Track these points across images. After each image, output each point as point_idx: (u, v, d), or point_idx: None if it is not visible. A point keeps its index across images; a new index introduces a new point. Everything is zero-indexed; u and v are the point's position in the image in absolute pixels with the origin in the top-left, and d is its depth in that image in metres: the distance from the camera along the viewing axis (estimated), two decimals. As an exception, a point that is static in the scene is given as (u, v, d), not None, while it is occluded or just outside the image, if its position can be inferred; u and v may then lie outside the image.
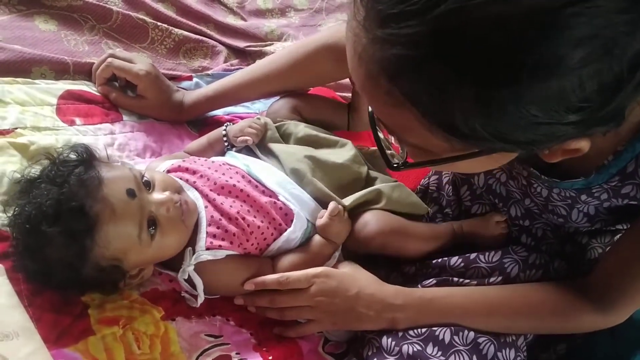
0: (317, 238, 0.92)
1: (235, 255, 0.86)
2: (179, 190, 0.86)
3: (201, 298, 0.83)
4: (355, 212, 0.95)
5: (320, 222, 0.91)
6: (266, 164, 0.97)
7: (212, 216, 0.86)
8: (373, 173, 1.02)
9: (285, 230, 0.91)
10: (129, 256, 0.79)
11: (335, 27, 1.07)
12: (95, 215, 0.74)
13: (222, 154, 1.02)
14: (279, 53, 1.09)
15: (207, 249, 0.83)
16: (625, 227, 0.91)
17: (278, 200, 0.92)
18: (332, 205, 0.91)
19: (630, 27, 0.43)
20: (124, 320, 0.79)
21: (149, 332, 0.80)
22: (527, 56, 0.42)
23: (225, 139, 1.01)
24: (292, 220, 0.91)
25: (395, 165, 0.62)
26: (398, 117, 0.51)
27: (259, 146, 1.00)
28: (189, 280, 0.84)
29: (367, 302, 0.85)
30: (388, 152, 0.64)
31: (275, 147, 0.99)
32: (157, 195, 0.82)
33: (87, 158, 0.81)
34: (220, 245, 0.84)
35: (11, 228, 0.77)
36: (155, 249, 0.81)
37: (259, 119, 1.02)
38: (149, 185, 0.83)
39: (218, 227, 0.85)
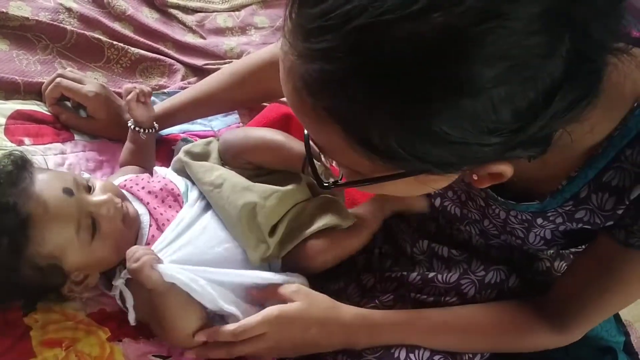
0: None
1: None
2: (121, 197, 0.86)
3: (131, 315, 0.81)
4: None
5: None
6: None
7: (153, 235, 0.86)
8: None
9: None
10: (68, 256, 0.79)
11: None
12: (27, 212, 0.75)
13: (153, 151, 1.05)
14: (226, 70, 1.08)
15: None
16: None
17: None
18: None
19: (543, 50, 0.44)
20: (67, 342, 0.78)
21: (93, 353, 0.79)
22: (437, 73, 0.43)
23: (131, 126, 1.01)
24: None
25: (325, 184, 0.62)
26: (325, 135, 0.52)
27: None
28: (123, 299, 0.82)
29: (327, 334, 0.84)
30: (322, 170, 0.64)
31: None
32: (98, 197, 0.82)
33: (22, 163, 0.81)
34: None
35: None
36: (96, 251, 0.81)
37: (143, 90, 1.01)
38: (90, 190, 0.83)
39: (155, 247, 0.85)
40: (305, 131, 0.59)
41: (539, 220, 0.78)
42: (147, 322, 0.85)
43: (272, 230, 0.89)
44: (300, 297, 0.84)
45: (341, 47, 0.44)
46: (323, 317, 0.84)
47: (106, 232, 0.81)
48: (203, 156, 0.98)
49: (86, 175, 0.94)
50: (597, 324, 0.85)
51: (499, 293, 0.90)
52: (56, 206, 0.77)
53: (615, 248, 0.73)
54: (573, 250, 0.95)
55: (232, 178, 0.91)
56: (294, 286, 0.85)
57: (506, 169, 0.54)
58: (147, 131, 1.02)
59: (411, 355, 0.84)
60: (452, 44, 0.42)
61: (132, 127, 1.01)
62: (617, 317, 0.98)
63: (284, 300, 0.84)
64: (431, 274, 0.92)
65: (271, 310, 0.82)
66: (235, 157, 0.97)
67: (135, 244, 0.84)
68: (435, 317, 0.87)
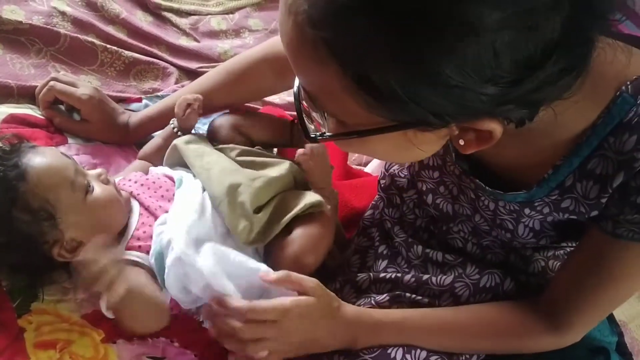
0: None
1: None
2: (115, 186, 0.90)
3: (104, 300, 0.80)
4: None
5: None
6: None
7: (143, 222, 0.88)
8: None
9: None
10: (61, 204, 0.81)
11: (274, 39, 1.07)
12: (27, 158, 0.81)
13: None
14: (218, 68, 1.09)
15: (127, 249, 0.86)
16: (570, 245, 0.93)
17: None
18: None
19: (551, 4, 0.45)
20: (61, 344, 0.79)
21: (87, 355, 0.80)
22: (445, 10, 0.43)
23: (175, 129, 1.03)
24: None
25: (312, 136, 0.61)
26: (320, 76, 0.52)
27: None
28: None
29: (332, 332, 0.84)
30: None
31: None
32: (93, 172, 0.89)
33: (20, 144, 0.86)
34: (140, 247, 0.86)
35: None
36: (88, 212, 0.83)
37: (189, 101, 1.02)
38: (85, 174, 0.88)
39: (144, 232, 0.87)
40: (296, 84, 0.59)
41: (527, 211, 0.79)
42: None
43: (257, 212, 0.91)
44: (317, 293, 0.82)
45: None
46: (331, 315, 0.84)
47: (99, 195, 0.85)
48: (196, 142, 1.01)
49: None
50: (596, 323, 0.84)
51: (494, 297, 0.90)
52: (54, 155, 0.84)
53: (604, 240, 0.73)
54: (568, 249, 0.95)
55: (221, 162, 0.95)
56: (312, 281, 0.83)
57: (496, 128, 0.54)
58: (186, 133, 1.03)
59: (407, 356, 0.84)
60: None
61: (176, 130, 1.03)
62: (610, 317, 0.98)
63: (298, 291, 0.82)
64: (425, 277, 0.93)
65: (284, 299, 0.80)
66: (229, 130, 1.04)
67: (125, 228, 0.88)
68: (434, 317, 0.88)
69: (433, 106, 0.49)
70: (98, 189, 0.86)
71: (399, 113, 0.51)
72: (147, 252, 0.86)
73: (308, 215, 0.92)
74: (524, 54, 0.46)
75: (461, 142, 0.58)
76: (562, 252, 0.96)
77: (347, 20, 0.46)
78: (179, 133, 1.03)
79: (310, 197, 0.93)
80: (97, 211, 0.85)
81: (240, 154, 1.00)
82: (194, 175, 0.95)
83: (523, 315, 0.85)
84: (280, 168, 0.96)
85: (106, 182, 0.88)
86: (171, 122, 1.03)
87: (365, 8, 0.45)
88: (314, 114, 0.59)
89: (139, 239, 0.87)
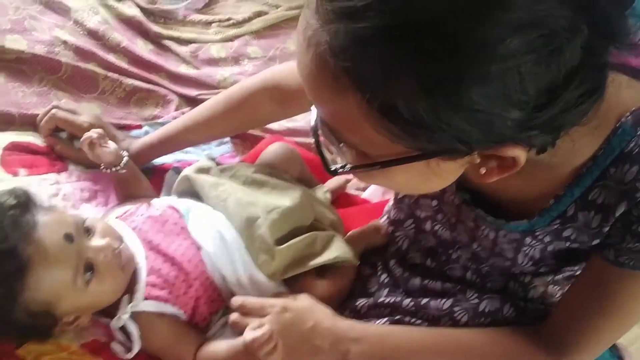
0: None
1: (176, 319, 0.87)
2: (119, 239, 0.86)
3: (137, 347, 0.83)
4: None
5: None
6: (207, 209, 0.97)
7: (152, 266, 0.87)
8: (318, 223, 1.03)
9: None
10: (63, 302, 0.78)
11: (274, 68, 1.09)
12: (26, 258, 0.74)
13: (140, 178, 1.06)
14: (219, 96, 1.10)
15: (146, 298, 0.84)
16: (570, 269, 0.93)
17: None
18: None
19: (570, 25, 0.46)
20: (60, 374, 0.78)
21: (86, 384, 0.79)
22: (469, 36, 0.44)
23: (102, 168, 1.00)
24: None
25: (332, 169, 0.60)
26: (341, 107, 0.51)
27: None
28: (124, 330, 0.84)
29: (322, 335, 0.85)
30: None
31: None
32: (97, 242, 0.82)
33: (24, 202, 0.81)
34: (158, 296, 0.84)
35: None
36: (91, 295, 0.81)
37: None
38: (89, 232, 0.83)
39: (158, 277, 0.86)
40: (313, 117, 0.58)
41: (528, 240, 0.79)
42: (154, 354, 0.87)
43: (277, 244, 0.92)
44: (304, 300, 0.89)
45: (372, 5, 0.45)
46: (322, 317, 0.87)
47: (103, 276, 0.81)
48: (204, 171, 1.02)
49: (89, 211, 0.96)
50: (599, 352, 0.84)
51: (493, 321, 0.90)
52: (56, 253, 0.77)
53: (607, 269, 0.73)
54: (567, 273, 0.95)
55: (235, 193, 0.96)
56: (302, 295, 0.91)
57: (520, 154, 0.54)
58: (118, 168, 1.00)
59: None
60: (485, 7, 0.43)
61: (105, 170, 1.00)
62: (610, 340, 0.98)
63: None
64: (424, 301, 0.93)
65: (277, 299, 0.88)
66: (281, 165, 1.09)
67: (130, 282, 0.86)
68: (431, 337, 0.88)
69: (460, 133, 0.49)
70: (101, 270, 0.81)
71: (424, 141, 0.51)
72: (166, 301, 0.85)
73: (337, 267, 0.97)
74: (547, 78, 0.47)
75: (482, 171, 0.57)
76: (561, 276, 0.96)
77: (371, 50, 0.46)
78: (110, 170, 1.00)
79: (343, 251, 0.97)
80: (99, 293, 0.82)
81: (256, 171, 1.03)
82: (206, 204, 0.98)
83: (524, 341, 0.85)
84: (293, 196, 0.98)
85: (110, 255, 0.82)
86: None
87: (390, 37, 0.45)
88: (332, 147, 0.59)
89: (154, 285, 0.86)
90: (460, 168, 0.59)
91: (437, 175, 0.58)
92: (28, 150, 1.05)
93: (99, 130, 1.00)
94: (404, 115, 0.48)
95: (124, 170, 1.00)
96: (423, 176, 0.58)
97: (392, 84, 0.47)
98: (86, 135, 0.98)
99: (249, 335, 0.81)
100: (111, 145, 0.99)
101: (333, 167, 0.60)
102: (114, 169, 1.00)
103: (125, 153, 1.02)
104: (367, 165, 0.57)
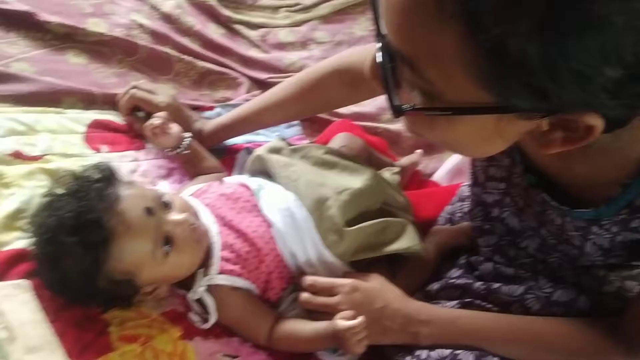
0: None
1: (250, 293, 0.90)
2: (195, 215, 0.89)
3: (213, 318, 0.86)
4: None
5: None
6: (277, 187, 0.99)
7: (225, 241, 0.89)
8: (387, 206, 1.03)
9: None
10: (143, 272, 0.82)
11: (346, 52, 1.09)
12: (111, 229, 0.78)
13: (206, 155, 1.10)
14: (291, 79, 1.11)
15: (220, 272, 0.86)
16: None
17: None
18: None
19: None
20: (143, 338, 0.82)
21: (167, 350, 0.82)
22: None
23: (167, 152, 1.06)
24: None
25: (398, 109, 0.55)
26: (435, 38, 0.46)
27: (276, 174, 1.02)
28: (200, 302, 0.87)
29: (392, 316, 0.86)
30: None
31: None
32: (175, 216, 0.85)
33: (108, 176, 0.85)
34: (232, 270, 0.87)
35: (33, 237, 0.80)
36: (169, 267, 0.84)
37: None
38: (167, 206, 0.86)
39: (231, 252, 0.88)
40: (379, 51, 0.54)
41: (594, 229, 0.77)
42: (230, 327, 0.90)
43: (347, 225, 0.93)
44: (375, 280, 0.91)
45: None
46: (392, 298, 0.89)
47: (181, 249, 0.84)
48: (276, 151, 1.05)
49: (165, 187, 1.00)
50: None
51: (566, 312, 0.87)
52: (137, 225, 0.80)
53: None
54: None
55: (306, 174, 0.98)
56: (373, 275, 0.93)
57: (598, 125, 0.50)
58: (179, 150, 1.05)
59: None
60: None
61: (169, 152, 1.06)
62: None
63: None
64: (495, 285, 0.92)
65: (346, 279, 0.90)
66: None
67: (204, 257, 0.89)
68: (507, 322, 0.87)
69: (555, 88, 0.45)
70: (179, 244, 0.84)
71: (512, 92, 0.47)
72: (239, 275, 0.88)
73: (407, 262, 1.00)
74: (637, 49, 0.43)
75: (545, 140, 0.54)
76: (637, 271, 0.94)
77: None
78: (172, 152, 1.05)
79: (415, 242, 0.98)
80: (177, 265, 0.85)
81: (326, 152, 1.04)
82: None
83: (598, 335, 0.82)
84: (363, 178, 0.98)
85: (188, 230, 0.85)
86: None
87: None
88: (404, 84, 0.55)
89: (228, 260, 0.88)
90: (521, 134, 0.56)
91: (500, 136, 0.55)
92: (109, 128, 1.09)
93: (163, 114, 1.04)
94: (510, 56, 0.43)
95: (187, 151, 1.05)
96: (485, 134, 0.55)
97: (509, 20, 0.41)
98: (148, 122, 1.03)
99: (342, 323, 0.83)
100: (174, 128, 1.04)
101: (398, 107, 0.55)
102: (177, 151, 1.05)
103: (187, 134, 1.06)
104: (438, 108, 0.52)
